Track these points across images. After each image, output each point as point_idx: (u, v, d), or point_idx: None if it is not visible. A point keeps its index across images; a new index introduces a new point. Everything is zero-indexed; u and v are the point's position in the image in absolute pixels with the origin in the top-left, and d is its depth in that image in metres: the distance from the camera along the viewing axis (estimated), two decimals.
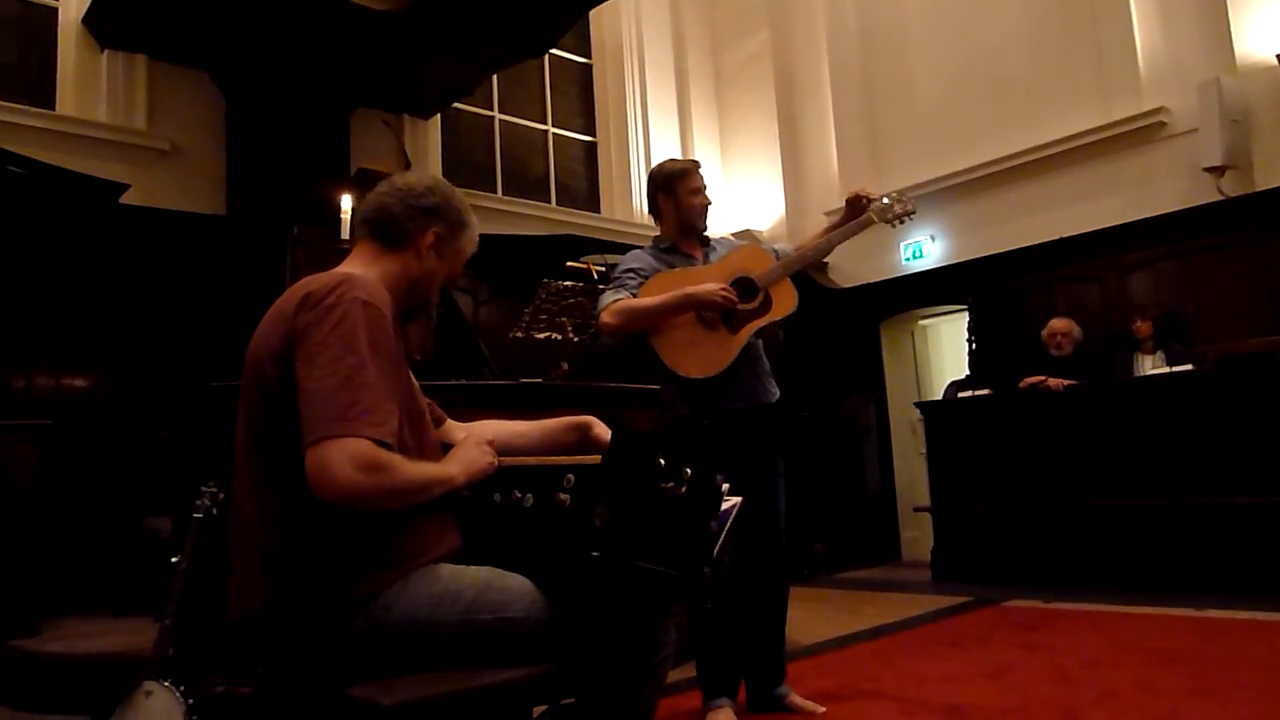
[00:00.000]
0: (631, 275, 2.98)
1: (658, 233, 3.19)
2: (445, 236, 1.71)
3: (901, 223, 3.23)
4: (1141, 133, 6.16)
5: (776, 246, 3.26)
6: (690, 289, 2.87)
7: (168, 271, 5.37)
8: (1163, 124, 6.07)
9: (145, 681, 2.42)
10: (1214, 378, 5.00)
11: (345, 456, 1.35)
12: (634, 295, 2.92)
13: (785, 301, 2.97)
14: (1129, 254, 6.20)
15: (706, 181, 3.17)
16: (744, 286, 2.93)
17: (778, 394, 3.11)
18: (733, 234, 8.40)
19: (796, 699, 2.96)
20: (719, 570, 1.54)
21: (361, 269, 1.62)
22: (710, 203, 3.13)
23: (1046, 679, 3.18)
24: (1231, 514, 4.67)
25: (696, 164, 3.16)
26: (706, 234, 3.18)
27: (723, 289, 2.87)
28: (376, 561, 1.46)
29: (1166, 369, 5.25)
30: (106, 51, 5.45)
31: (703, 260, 3.10)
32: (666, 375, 2.94)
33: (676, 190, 3.08)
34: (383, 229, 1.68)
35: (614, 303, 2.91)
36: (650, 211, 3.20)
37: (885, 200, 3.17)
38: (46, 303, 4.95)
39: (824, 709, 2.93)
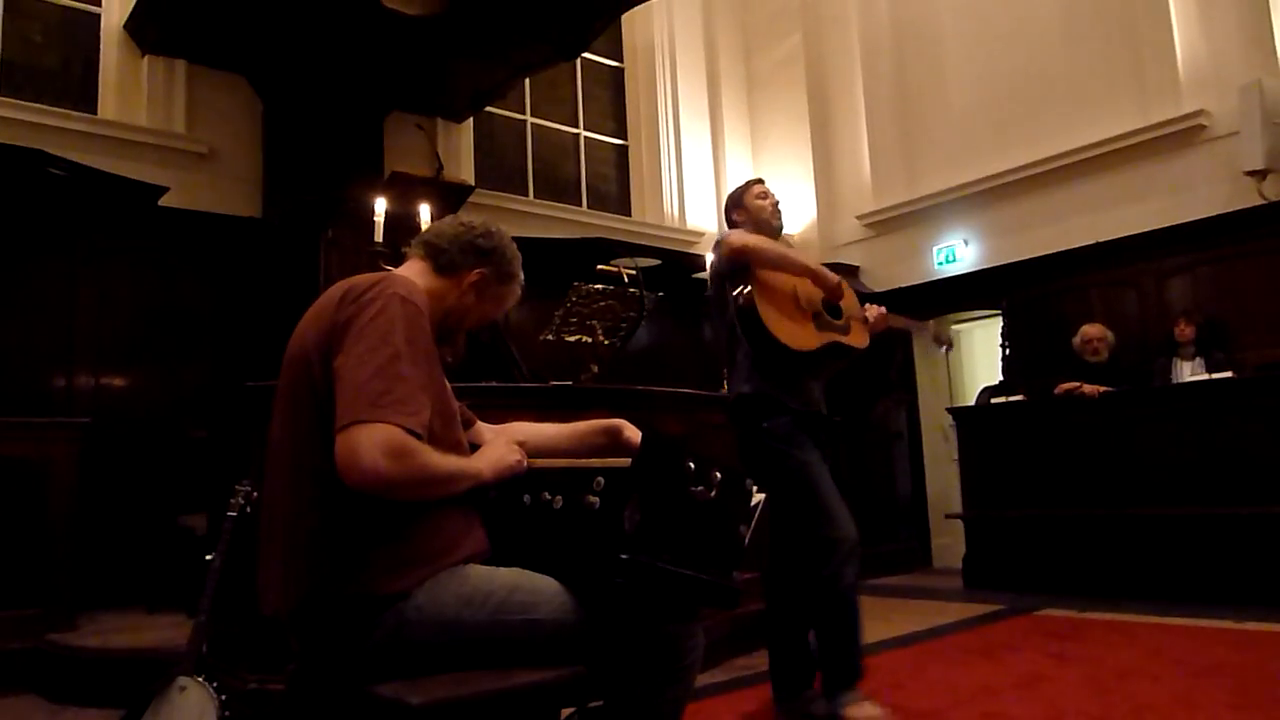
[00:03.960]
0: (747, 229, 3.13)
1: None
2: (490, 280, 1.75)
3: (945, 350, 3.42)
4: (1181, 135, 6.06)
5: None
6: (814, 263, 3.04)
7: (205, 273, 5.45)
8: (1203, 127, 5.97)
9: (179, 677, 2.45)
10: (1253, 385, 4.91)
11: (374, 441, 1.37)
12: None
13: (860, 337, 3.12)
14: (1167, 259, 6.10)
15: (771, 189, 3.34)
16: (833, 307, 3.06)
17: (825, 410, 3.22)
18: None
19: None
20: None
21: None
22: (779, 201, 3.26)
23: (1080, 690, 3.13)
24: (1271, 524, 4.57)
25: (758, 179, 3.38)
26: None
27: (841, 282, 3.04)
28: (404, 559, 1.47)
29: (1205, 376, 5.16)
30: (147, 56, 5.54)
31: None
32: (753, 340, 2.92)
33: (745, 200, 3.25)
34: (436, 252, 1.73)
35: (742, 234, 3.02)
36: None
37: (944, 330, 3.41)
38: (87, 303, 5.04)
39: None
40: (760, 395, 2.97)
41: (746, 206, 3.22)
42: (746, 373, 3.01)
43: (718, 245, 3.07)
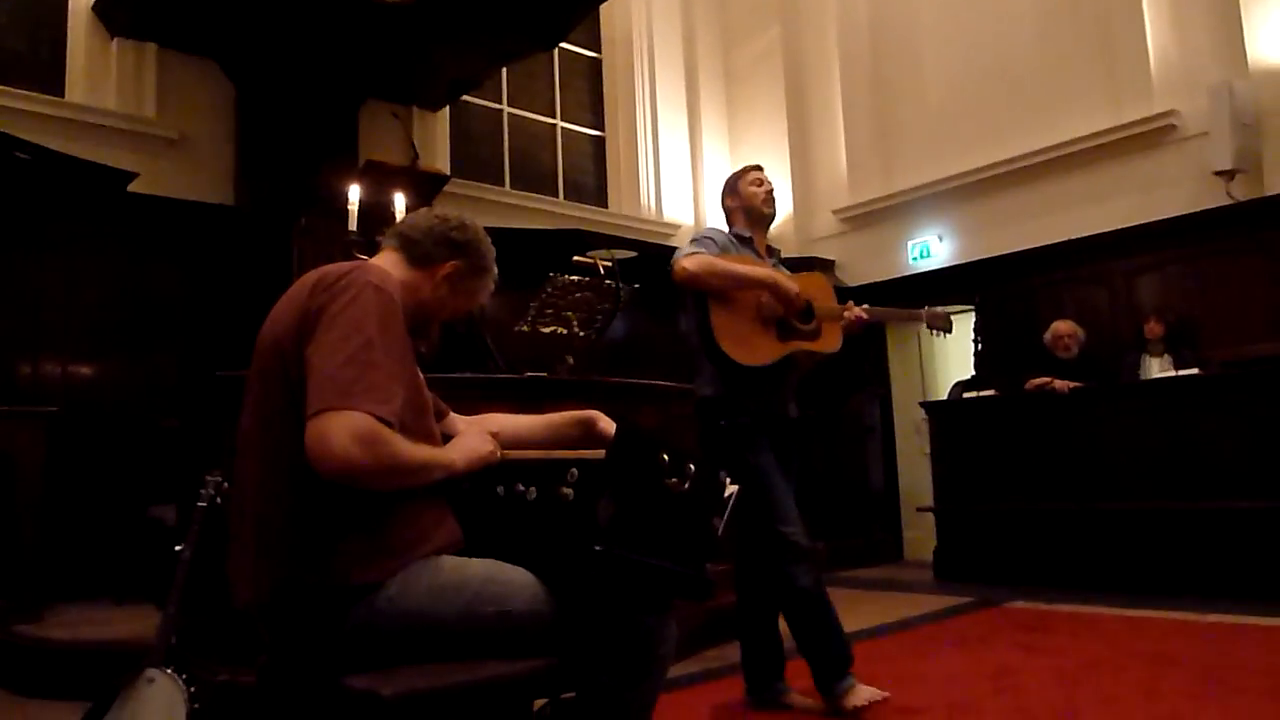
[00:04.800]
0: (710, 243, 3.06)
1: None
2: (463, 273, 1.74)
3: (942, 334, 3.37)
4: (1152, 135, 6.14)
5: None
6: (775, 274, 2.98)
7: (175, 260, 5.38)
8: (1173, 127, 6.05)
9: (148, 669, 2.42)
10: (1219, 382, 4.99)
11: (345, 428, 1.36)
12: None
13: (832, 340, 3.10)
14: (1137, 257, 6.18)
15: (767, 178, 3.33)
16: (805, 307, 3.02)
17: (797, 413, 3.24)
18: None
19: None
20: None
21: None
22: (772, 188, 3.28)
23: (1048, 680, 3.18)
24: (1235, 519, 4.66)
25: (756, 165, 3.38)
26: (778, 250, 3.32)
27: (801, 293, 2.96)
28: (376, 550, 1.47)
29: (1173, 373, 5.23)
30: (116, 40, 5.45)
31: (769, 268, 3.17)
32: (709, 354, 2.94)
33: (738, 186, 3.26)
34: (410, 244, 1.72)
35: (694, 254, 2.96)
36: (727, 222, 3.32)
37: (940, 310, 3.38)
38: (54, 290, 4.96)
39: (824, 705, 2.92)
40: (721, 398, 2.99)
41: (740, 192, 3.24)
42: (710, 375, 3.02)
43: (673, 263, 3.01)
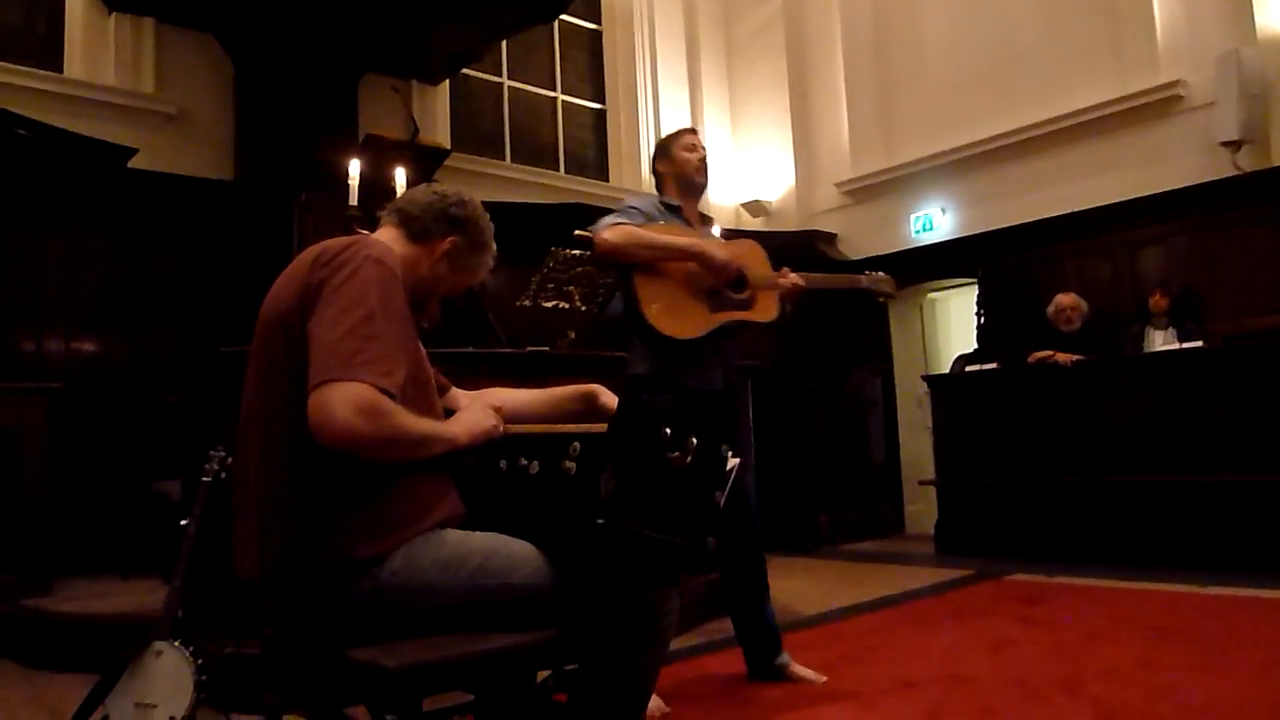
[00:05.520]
0: (636, 211, 2.93)
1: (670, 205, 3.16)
2: (462, 249, 1.74)
3: (881, 300, 3.26)
4: (1157, 106, 6.08)
5: None
6: (702, 243, 2.86)
7: (176, 236, 5.37)
8: (1179, 97, 5.99)
9: (155, 642, 2.45)
10: (1221, 355, 4.97)
11: (347, 399, 1.36)
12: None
13: (767, 309, 2.97)
14: (1141, 229, 6.15)
15: (704, 143, 3.17)
16: (737, 276, 2.91)
17: (737, 388, 3.13)
18: (742, 204, 8.37)
19: (798, 669, 2.99)
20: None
21: None
22: (705, 155, 3.13)
23: (1047, 652, 3.20)
24: (1235, 492, 4.66)
25: (690, 128, 3.21)
26: (712, 219, 3.20)
27: (731, 261, 2.86)
28: (380, 523, 1.47)
29: (1177, 345, 5.22)
30: (114, 14, 5.41)
31: (701, 237, 3.06)
32: (636, 329, 2.85)
33: (671, 151, 3.11)
34: (409, 220, 1.72)
35: (617, 224, 2.83)
36: (656, 187, 3.21)
37: (881, 274, 3.28)
38: (55, 267, 4.96)
39: (825, 678, 2.95)
40: (653, 376, 2.87)
41: (672, 158, 3.09)
42: (641, 352, 2.90)
43: (592, 233, 2.89)
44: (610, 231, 2.80)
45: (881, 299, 3.22)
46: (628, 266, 2.82)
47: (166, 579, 2.80)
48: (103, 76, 5.37)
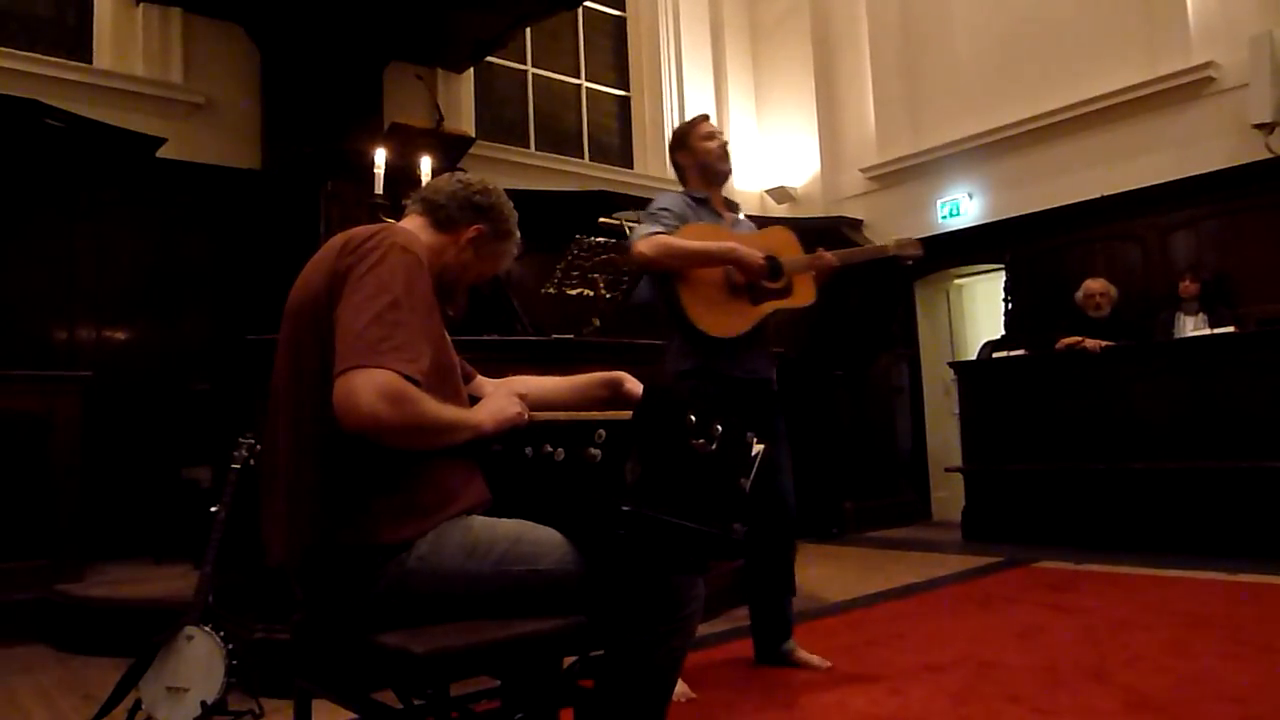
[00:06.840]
0: (667, 214, 2.93)
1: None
2: (487, 236, 1.74)
3: (909, 263, 3.17)
4: (1189, 88, 5.98)
5: None
6: (736, 245, 2.87)
7: (204, 225, 5.43)
8: (1211, 79, 5.89)
9: (186, 626, 2.48)
10: (1253, 340, 4.90)
11: (372, 385, 1.37)
12: (669, 233, 2.88)
13: (805, 293, 2.99)
14: (1172, 213, 6.06)
15: (721, 129, 3.17)
16: (772, 267, 2.91)
17: (774, 376, 3.10)
18: (767, 191, 8.33)
19: (803, 654, 2.99)
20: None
21: None
22: (726, 141, 3.12)
23: (1076, 640, 3.18)
24: (1267, 479, 4.59)
25: (703, 115, 3.19)
26: (737, 204, 3.20)
27: (764, 258, 2.87)
28: (407, 509, 1.48)
29: (1207, 331, 5.15)
30: (142, 5, 5.46)
31: (731, 226, 3.08)
32: (681, 329, 2.90)
33: (689, 141, 3.09)
34: (434, 209, 1.73)
35: (651, 235, 2.84)
36: (678, 178, 3.20)
37: (906, 238, 3.21)
38: (86, 256, 5.02)
39: (829, 664, 2.95)
40: (698, 369, 2.89)
41: (691, 148, 3.07)
42: (681, 349, 2.92)
43: (630, 246, 2.89)
44: (645, 244, 2.82)
45: (909, 261, 3.15)
46: (667, 274, 2.86)
47: (197, 564, 2.84)
48: (131, 67, 5.42)
